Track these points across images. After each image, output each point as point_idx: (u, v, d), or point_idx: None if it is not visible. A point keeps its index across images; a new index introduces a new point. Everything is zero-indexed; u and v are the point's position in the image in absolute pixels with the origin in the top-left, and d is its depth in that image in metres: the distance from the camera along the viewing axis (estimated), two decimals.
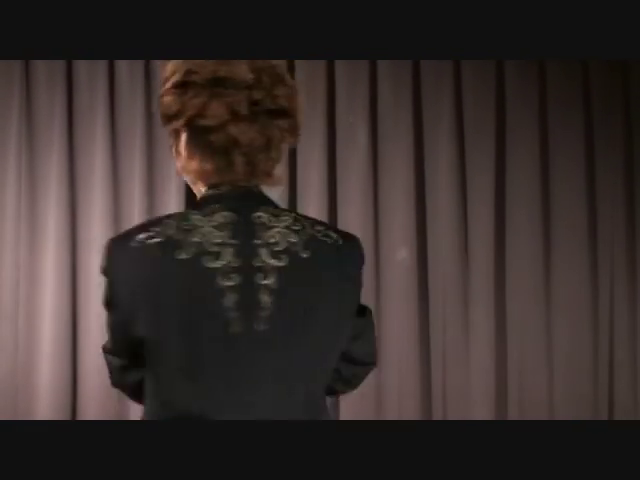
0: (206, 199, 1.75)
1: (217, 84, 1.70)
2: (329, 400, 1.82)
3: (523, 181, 4.22)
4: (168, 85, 1.74)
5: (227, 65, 1.71)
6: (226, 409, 1.67)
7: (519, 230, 4.21)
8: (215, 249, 1.67)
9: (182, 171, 1.80)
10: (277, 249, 1.69)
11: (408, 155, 4.22)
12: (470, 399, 4.17)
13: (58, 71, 4.10)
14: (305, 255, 1.69)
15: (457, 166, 4.22)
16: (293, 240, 1.70)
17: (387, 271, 4.19)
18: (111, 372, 1.85)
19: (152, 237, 1.69)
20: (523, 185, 4.22)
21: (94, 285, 3.78)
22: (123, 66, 4.14)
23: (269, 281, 1.67)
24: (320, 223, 1.77)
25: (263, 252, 1.69)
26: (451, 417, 4.16)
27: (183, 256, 1.66)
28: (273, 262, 1.68)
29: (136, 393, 1.80)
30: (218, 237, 1.68)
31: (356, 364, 1.84)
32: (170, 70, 1.75)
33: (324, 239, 1.73)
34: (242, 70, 1.71)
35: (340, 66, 4.20)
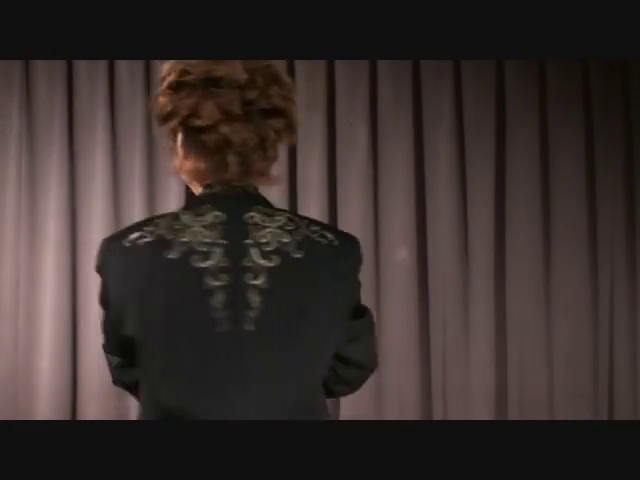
0: (200, 199, 1.76)
1: (210, 84, 1.70)
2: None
3: (523, 181, 4.22)
4: (164, 85, 1.75)
5: (221, 65, 1.71)
6: (212, 409, 1.66)
7: (519, 230, 4.21)
8: (204, 249, 1.68)
9: (178, 171, 1.81)
10: (268, 249, 1.69)
11: (408, 155, 4.22)
12: (470, 399, 4.17)
13: (58, 71, 4.10)
14: (297, 255, 1.69)
15: (457, 166, 4.23)
16: (285, 240, 1.70)
17: (387, 271, 4.19)
18: (111, 370, 1.85)
19: (143, 237, 1.70)
20: (523, 185, 4.22)
21: (94, 285, 3.75)
22: (123, 66, 4.14)
23: (258, 281, 1.67)
24: (317, 223, 1.76)
25: (253, 252, 1.69)
26: (451, 417, 4.16)
27: (172, 256, 1.67)
28: (263, 262, 1.68)
29: (136, 391, 1.81)
30: (208, 237, 1.69)
31: (356, 367, 1.83)
32: (166, 70, 1.76)
33: (319, 239, 1.72)
34: (236, 70, 1.71)
35: (340, 66, 4.20)
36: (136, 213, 4.05)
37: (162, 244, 1.68)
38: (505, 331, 4.21)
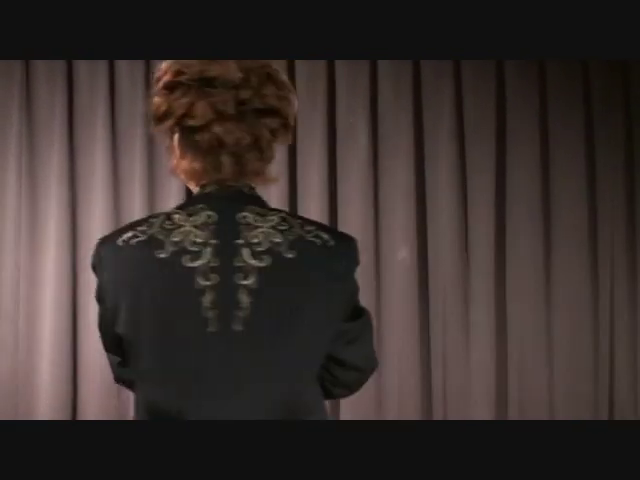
0: (193, 199, 1.76)
1: (204, 84, 1.70)
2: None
3: (523, 181, 4.22)
4: (159, 85, 1.75)
5: (215, 65, 1.71)
6: (202, 409, 1.66)
7: (519, 230, 4.21)
8: (195, 248, 1.68)
9: (175, 171, 1.81)
10: (259, 249, 1.69)
11: (408, 155, 4.21)
12: (470, 399, 4.17)
13: (58, 71, 4.10)
14: (290, 255, 1.69)
15: (457, 166, 4.22)
16: (277, 240, 1.70)
17: (387, 271, 4.19)
18: (113, 368, 1.86)
19: (136, 236, 1.71)
20: (523, 185, 4.21)
21: (94, 285, 3.77)
22: (123, 66, 4.14)
23: (249, 281, 1.67)
24: (312, 223, 1.76)
25: (245, 252, 1.69)
26: (451, 417, 4.15)
27: (163, 255, 1.68)
28: (254, 262, 1.68)
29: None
30: (199, 237, 1.69)
31: (355, 369, 1.82)
32: (162, 70, 1.76)
33: (313, 239, 1.72)
34: (230, 70, 1.71)
35: (340, 66, 4.20)
36: (136, 211, 4.05)
37: (154, 244, 1.68)
38: (505, 331, 4.20)
